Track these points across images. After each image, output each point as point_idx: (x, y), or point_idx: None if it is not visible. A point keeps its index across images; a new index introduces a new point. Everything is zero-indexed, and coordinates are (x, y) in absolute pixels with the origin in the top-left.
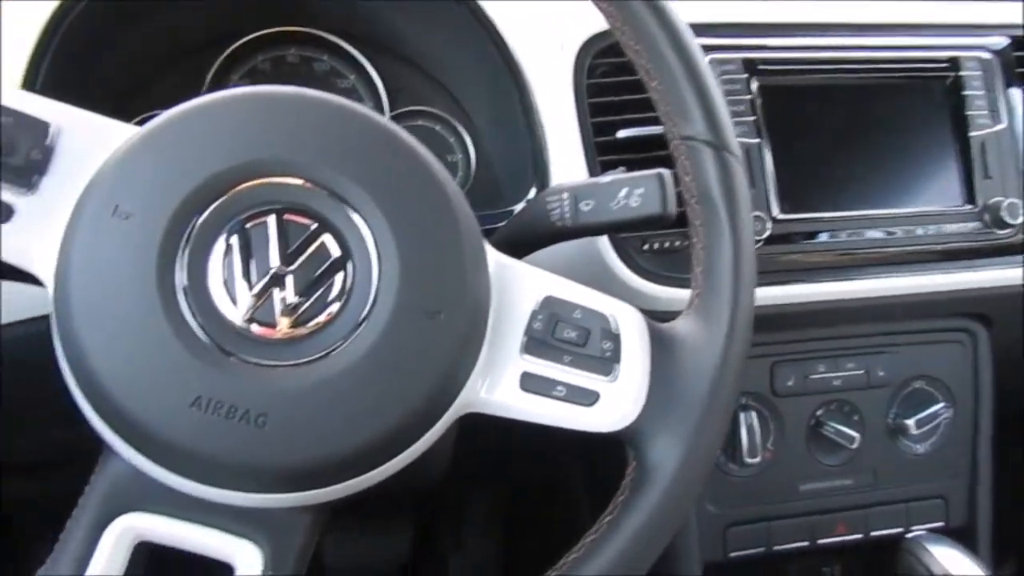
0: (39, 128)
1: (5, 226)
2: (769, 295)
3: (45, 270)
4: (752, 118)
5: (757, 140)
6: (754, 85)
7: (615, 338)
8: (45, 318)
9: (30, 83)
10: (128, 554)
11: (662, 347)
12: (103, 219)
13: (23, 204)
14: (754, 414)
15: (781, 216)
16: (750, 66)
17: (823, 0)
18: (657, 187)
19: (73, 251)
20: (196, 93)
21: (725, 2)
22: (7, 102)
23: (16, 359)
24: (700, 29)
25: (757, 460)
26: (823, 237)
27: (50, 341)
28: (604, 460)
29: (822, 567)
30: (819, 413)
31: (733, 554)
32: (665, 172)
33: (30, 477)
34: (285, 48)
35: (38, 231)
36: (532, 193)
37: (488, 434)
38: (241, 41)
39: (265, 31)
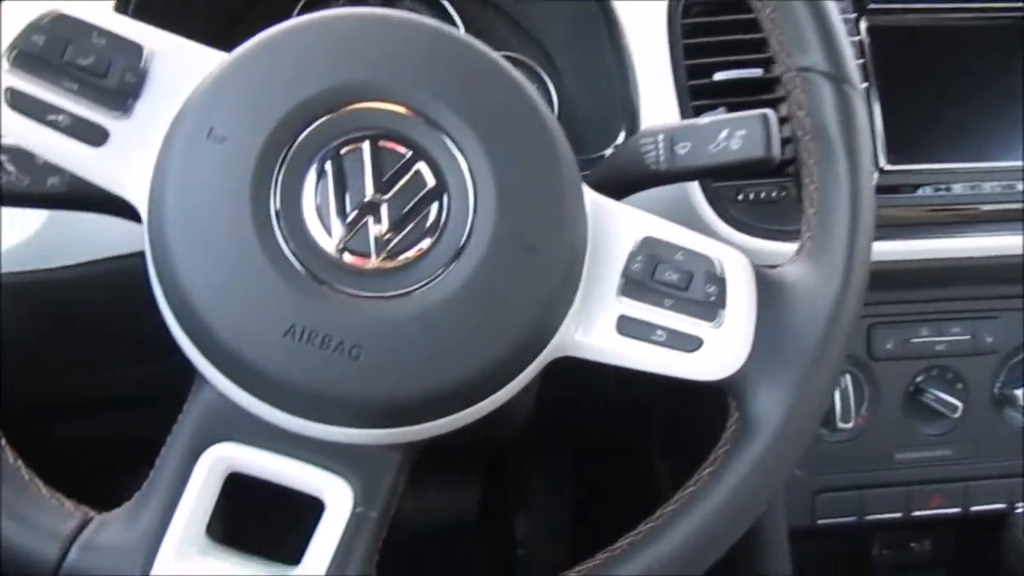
0: (133, 51)
1: (99, 150)
2: (873, 250)
3: (138, 195)
4: (860, 61)
5: (865, 84)
6: (863, 25)
7: (720, 282)
8: (127, 256)
9: (122, 6)
10: (220, 484)
11: (770, 293)
12: (197, 142)
13: (116, 128)
14: (848, 377)
15: (888, 167)
16: (860, 5)
17: None
18: (761, 128)
19: (167, 175)
20: None
21: None
22: (101, 23)
23: (93, 297)
24: None
25: (850, 425)
26: (932, 190)
27: (129, 279)
28: (682, 421)
29: (911, 542)
30: (919, 379)
31: (821, 521)
32: (769, 112)
33: (101, 415)
34: None
35: (131, 156)
36: (620, 139)
37: (566, 387)
38: None
39: None
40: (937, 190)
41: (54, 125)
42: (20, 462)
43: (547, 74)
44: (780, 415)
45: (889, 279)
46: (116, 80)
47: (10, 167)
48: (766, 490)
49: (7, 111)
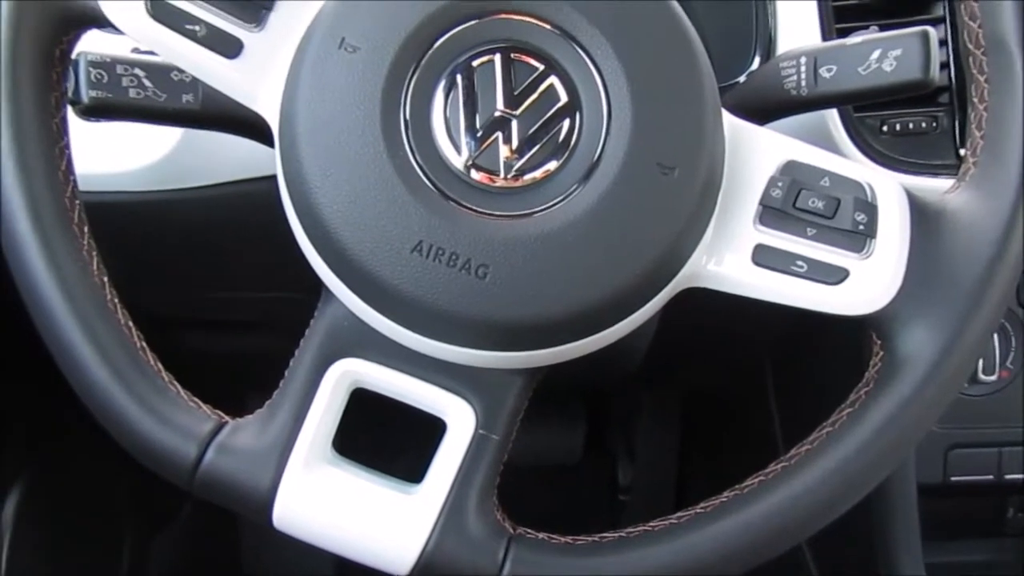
0: None
1: (233, 62)
2: None
3: (269, 108)
4: None
5: None
6: None
7: (871, 209)
8: (255, 180)
9: None
10: (346, 397)
11: (927, 222)
12: (329, 53)
13: (251, 40)
14: None
15: None
16: None
17: None
18: (919, 47)
19: (299, 85)
20: None
21: None
22: None
23: (221, 219)
24: None
25: (993, 378)
26: None
27: (256, 202)
28: (799, 366)
29: None
30: None
31: (954, 478)
32: (930, 30)
33: (223, 333)
34: None
35: (264, 67)
36: (755, 65)
37: (679, 328)
38: None
39: None
40: None
41: (192, 36)
42: (160, 365)
43: None
44: (933, 354)
45: None
46: None
47: (147, 83)
48: (912, 435)
49: (148, 20)
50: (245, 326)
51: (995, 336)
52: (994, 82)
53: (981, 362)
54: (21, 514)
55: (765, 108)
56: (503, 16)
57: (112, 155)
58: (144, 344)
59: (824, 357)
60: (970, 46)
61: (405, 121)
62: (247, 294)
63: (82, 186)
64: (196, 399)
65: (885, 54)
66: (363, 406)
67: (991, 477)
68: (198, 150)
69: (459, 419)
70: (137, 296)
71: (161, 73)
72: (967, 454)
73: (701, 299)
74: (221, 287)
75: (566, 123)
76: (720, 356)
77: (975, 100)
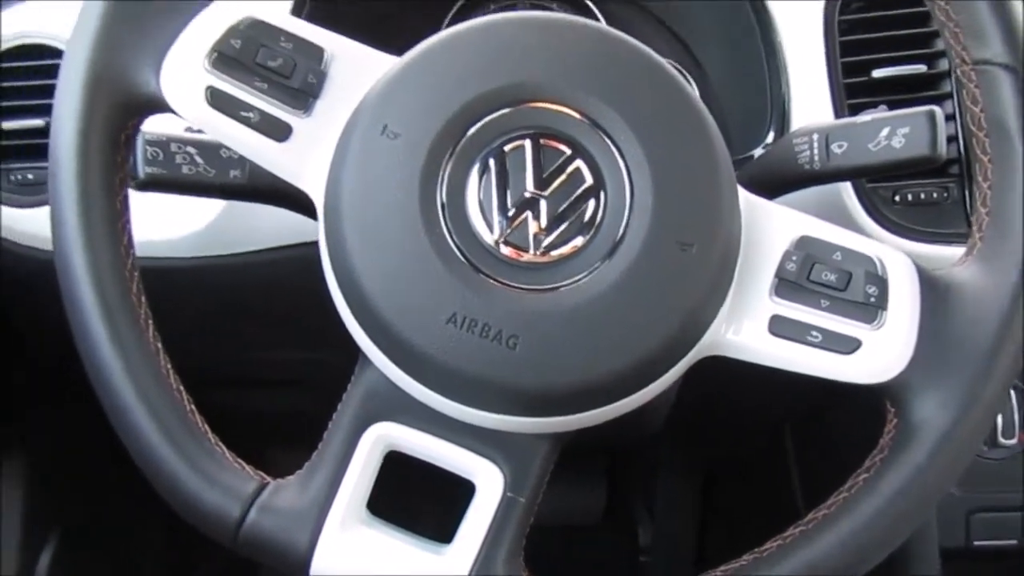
0: (315, 53)
1: (283, 145)
2: None
3: (314, 187)
4: None
5: None
6: None
7: (881, 282)
8: (294, 246)
9: (298, 11)
10: (380, 459)
11: (936, 295)
12: (372, 138)
13: (298, 125)
14: (1012, 391)
15: None
16: None
17: None
18: (927, 125)
19: (344, 167)
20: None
21: None
22: (289, 28)
23: (261, 283)
24: None
25: (1013, 442)
26: None
27: (294, 267)
28: (820, 427)
29: None
30: None
31: (977, 543)
32: (936, 109)
33: (257, 391)
34: None
35: (311, 150)
36: (769, 139)
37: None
38: None
39: None
40: None
41: (246, 121)
42: (207, 426)
43: (693, 75)
44: (945, 422)
45: None
46: (300, 81)
47: (199, 160)
48: (926, 501)
49: (207, 108)
50: (274, 384)
51: (1014, 399)
52: (996, 162)
53: (1000, 426)
54: (56, 562)
55: (781, 181)
56: (532, 105)
57: (159, 223)
58: (193, 407)
59: (843, 419)
60: (972, 128)
61: (442, 202)
62: (281, 354)
63: None
64: (240, 460)
65: (894, 131)
66: (397, 465)
67: (1015, 542)
68: (241, 219)
69: (488, 482)
70: (176, 356)
71: (211, 150)
72: (990, 518)
73: (722, 364)
74: (257, 347)
75: (591, 203)
76: (740, 419)
77: (979, 179)
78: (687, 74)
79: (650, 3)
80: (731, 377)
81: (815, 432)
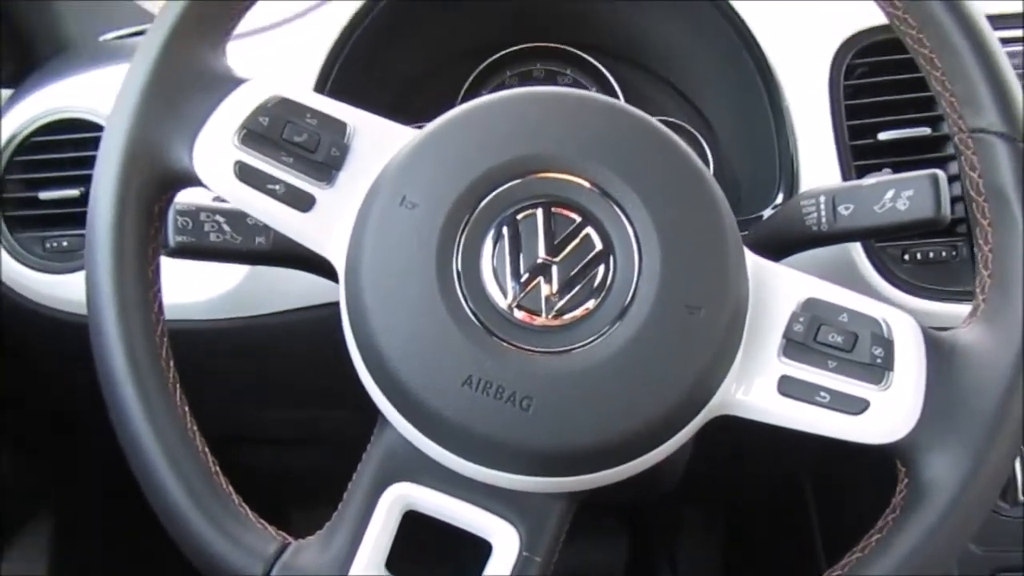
0: (338, 128)
1: (306, 215)
2: None
3: (336, 254)
4: None
5: None
6: None
7: (887, 344)
8: (316, 307)
9: (320, 87)
10: (399, 519)
11: (941, 356)
12: (392, 209)
13: (322, 196)
14: None
15: None
16: None
17: None
18: (930, 189)
19: (365, 236)
20: (452, 105)
21: None
22: (313, 105)
23: (284, 344)
24: (988, 21)
25: None
26: None
27: (316, 328)
28: (840, 480)
29: None
30: None
31: None
32: (940, 173)
33: (279, 449)
34: (531, 64)
35: (333, 220)
36: (778, 200)
37: (717, 446)
38: (490, 59)
39: (512, 48)
40: None
41: (272, 193)
42: (231, 487)
43: (703, 137)
44: (955, 483)
45: None
46: (324, 154)
47: (226, 228)
48: (939, 561)
49: (235, 181)
50: (293, 443)
51: None
52: (996, 226)
53: (1021, 483)
54: None
55: (789, 242)
56: (544, 176)
57: (189, 286)
58: (218, 468)
59: (861, 471)
60: (972, 193)
61: (457, 269)
62: (300, 413)
63: None
64: (263, 520)
65: (899, 194)
66: (407, 521)
67: None
68: (263, 282)
69: (504, 541)
70: (200, 415)
71: (238, 218)
72: None
73: (736, 421)
74: (277, 406)
75: (601, 268)
76: (759, 473)
77: (980, 242)
78: (699, 136)
79: (662, 69)
80: (746, 433)
81: (835, 484)
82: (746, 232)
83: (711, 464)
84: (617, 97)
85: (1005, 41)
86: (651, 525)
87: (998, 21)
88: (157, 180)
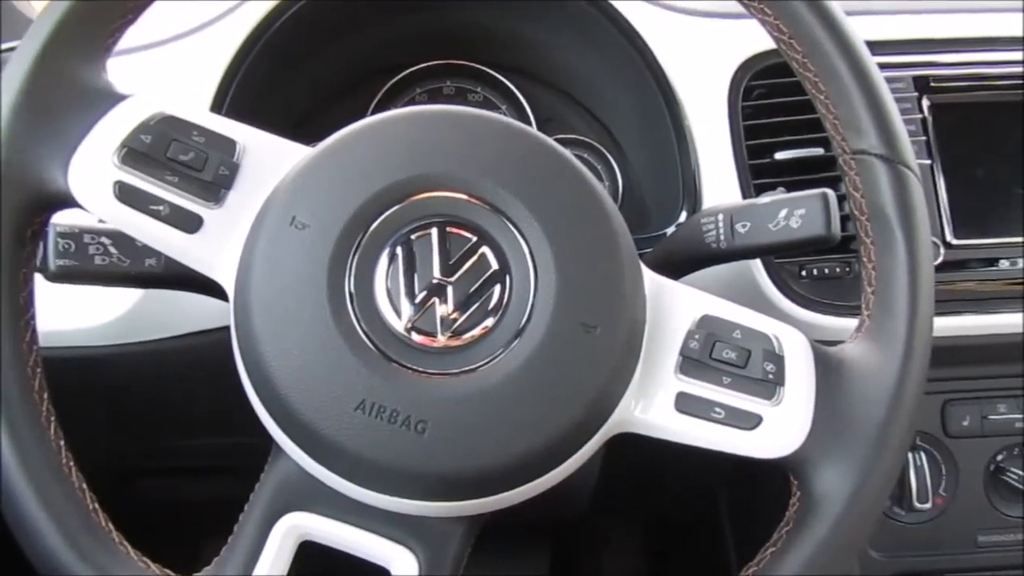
0: (227, 146)
1: (193, 236)
2: (942, 326)
3: (226, 277)
4: (923, 138)
5: (929, 161)
6: (925, 103)
7: (778, 360)
8: (210, 331)
9: (217, 106)
10: (293, 550)
11: (829, 371)
12: (281, 229)
13: (210, 216)
14: (923, 455)
15: (956, 241)
16: (921, 84)
17: (994, 13)
18: (820, 207)
19: (253, 258)
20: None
21: (893, 17)
22: (201, 122)
23: (179, 369)
24: (868, 47)
25: (928, 506)
26: (1002, 264)
27: (211, 353)
28: (753, 491)
29: None
30: (999, 458)
31: None
32: (829, 192)
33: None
34: (441, 80)
35: (221, 241)
36: (682, 217)
37: (630, 460)
38: (400, 75)
39: (422, 64)
40: (1006, 264)
41: (155, 215)
42: (111, 525)
43: (613, 156)
44: (843, 495)
45: (963, 355)
46: (212, 173)
47: (113, 250)
48: (832, 571)
49: (115, 202)
50: (207, 472)
51: (925, 465)
52: (878, 244)
53: (915, 490)
54: None
55: (689, 259)
56: (438, 194)
57: (75, 311)
58: (96, 505)
59: (772, 486)
60: (856, 212)
61: (350, 291)
62: (206, 440)
63: (45, 342)
64: (145, 559)
65: (791, 213)
66: (314, 553)
67: None
68: (157, 305)
69: (403, 567)
70: (98, 447)
71: (126, 240)
72: None
73: (643, 438)
74: (181, 434)
75: (497, 288)
76: (678, 488)
77: (865, 260)
78: (609, 155)
79: (572, 90)
80: (659, 448)
81: (746, 498)
82: (650, 249)
83: (628, 479)
84: (526, 115)
85: (888, 67)
86: (572, 541)
87: (872, 47)
88: (29, 202)
